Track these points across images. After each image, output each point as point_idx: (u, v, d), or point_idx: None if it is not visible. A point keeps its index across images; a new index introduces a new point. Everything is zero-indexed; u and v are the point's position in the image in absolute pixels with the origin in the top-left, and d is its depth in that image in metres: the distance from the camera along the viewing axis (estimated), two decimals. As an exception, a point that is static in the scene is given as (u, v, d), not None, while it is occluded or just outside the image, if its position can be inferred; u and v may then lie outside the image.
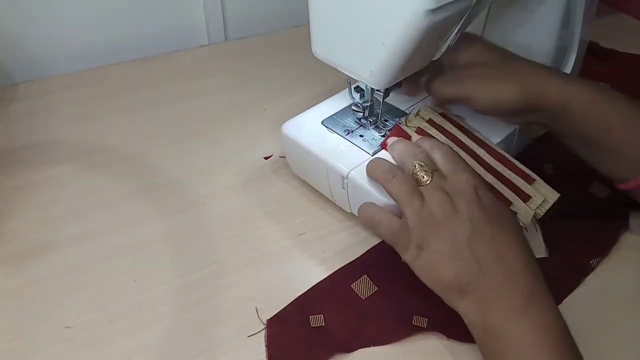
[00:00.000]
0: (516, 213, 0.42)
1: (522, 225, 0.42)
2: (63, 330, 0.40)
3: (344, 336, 0.40)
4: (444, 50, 0.44)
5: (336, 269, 0.45)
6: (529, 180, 0.44)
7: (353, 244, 0.47)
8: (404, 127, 0.48)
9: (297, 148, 0.49)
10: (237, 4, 0.76)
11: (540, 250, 0.47)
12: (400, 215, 0.40)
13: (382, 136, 0.48)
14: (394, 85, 0.46)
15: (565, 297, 0.44)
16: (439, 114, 0.49)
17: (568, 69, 0.54)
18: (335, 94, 0.53)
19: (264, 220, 0.49)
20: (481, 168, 0.45)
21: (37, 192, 0.51)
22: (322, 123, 0.50)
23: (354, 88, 0.50)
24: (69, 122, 0.60)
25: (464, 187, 0.38)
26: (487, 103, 0.44)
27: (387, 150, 0.46)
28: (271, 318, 0.41)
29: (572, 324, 0.41)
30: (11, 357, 0.39)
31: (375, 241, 0.47)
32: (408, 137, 0.46)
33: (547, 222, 0.49)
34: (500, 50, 0.46)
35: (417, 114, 0.49)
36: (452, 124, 0.48)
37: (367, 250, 0.46)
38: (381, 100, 0.47)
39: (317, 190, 0.52)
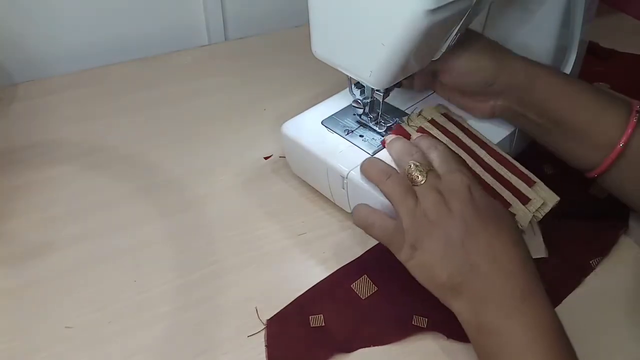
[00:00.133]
0: (515, 215, 0.42)
1: (520, 227, 0.42)
2: (63, 330, 0.40)
3: (343, 336, 0.40)
4: (444, 50, 0.44)
5: (336, 269, 0.45)
6: (529, 183, 0.44)
7: (353, 244, 0.47)
8: (406, 127, 0.48)
9: (297, 148, 0.49)
10: (237, 4, 0.76)
11: (540, 250, 0.47)
12: (396, 217, 0.40)
13: (382, 135, 0.48)
14: (394, 85, 0.46)
15: (565, 297, 0.44)
16: (441, 114, 0.49)
17: (568, 69, 0.54)
18: (335, 94, 0.53)
19: (264, 220, 0.49)
20: (481, 169, 0.45)
21: (37, 192, 0.51)
22: (322, 123, 0.50)
23: (355, 85, 0.50)
24: (69, 122, 0.60)
25: (457, 187, 0.38)
26: (462, 69, 0.46)
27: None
28: (271, 318, 0.41)
29: (572, 324, 0.41)
30: (11, 357, 0.39)
31: (375, 241, 0.47)
32: (408, 136, 0.46)
33: (547, 222, 0.49)
34: (490, 39, 0.48)
35: (419, 114, 0.49)
36: (454, 125, 0.48)
37: (367, 250, 0.46)
38: (381, 100, 0.47)
39: (317, 190, 0.52)
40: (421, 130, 0.47)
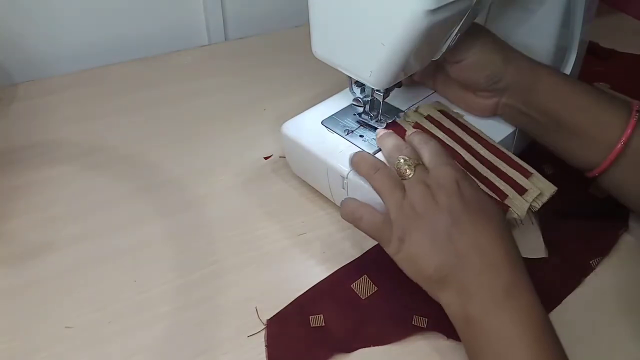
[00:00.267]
0: (509, 207, 0.42)
1: (518, 217, 0.42)
2: (63, 330, 0.40)
3: (343, 336, 0.40)
4: (444, 50, 0.44)
5: (336, 269, 0.45)
6: (526, 174, 0.45)
7: (353, 244, 0.47)
8: (402, 123, 0.48)
9: (297, 148, 0.49)
10: (237, 4, 0.76)
11: (540, 250, 0.47)
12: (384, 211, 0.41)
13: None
14: (394, 85, 0.46)
15: (565, 297, 0.44)
16: (438, 110, 0.49)
17: (568, 69, 0.54)
18: (335, 94, 0.53)
19: (264, 220, 0.49)
20: (477, 162, 0.45)
21: (37, 192, 0.51)
22: (322, 123, 0.50)
23: (355, 83, 0.50)
24: (69, 122, 0.60)
25: (445, 181, 0.39)
26: (472, 62, 0.46)
27: None
28: (271, 318, 0.41)
29: (572, 324, 0.42)
30: (11, 357, 0.39)
31: (375, 241, 0.47)
32: (404, 132, 0.46)
33: (547, 222, 0.49)
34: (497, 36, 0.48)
35: (415, 110, 0.50)
36: (451, 120, 0.49)
37: (367, 250, 0.46)
38: (381, 100, 0.47)
39: (317, 190, 0.52)
40: (417, 126, 0.47)
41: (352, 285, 0.43)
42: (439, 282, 0.37)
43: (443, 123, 0.48)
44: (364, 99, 0.48)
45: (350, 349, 0.40)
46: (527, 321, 0.34)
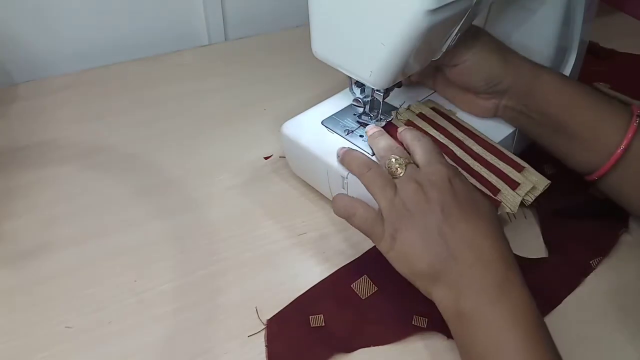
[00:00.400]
0: (500, 203, 0.42)
1: (510, 211, 0.42)
2: (63, 330, 0.40)
3: (344, 336, 0.40)
4: (444, 50, 0.44)
5: (336, 269, 0.45)
6: (518, 168, 0.45)
7: (353, 244, 0.47)
8: (394, 121, 0.48)
9: (297, 148, 0.49)
10: (237, 4, 0.76)
11: (540, 250, 0.47)
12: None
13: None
14: (394, 85, 0.46)
15: (565, 297, 0.44)
16: (430, 108, 0.50)
17: (568, 69, 0.54)
18: (335, 94, 0.53)
19: (264, 220, 0.49)
20: (469, 158, 0.45)
21: (37, 192, 0.51)
22: (322, 123, 0.50)
23: (355, 83, 0.50)
24: (69, 122, 0.60)
25: (436, 178, 0.39)
26: (470, 66, 0.46)
27: None
28: (271, 318, 0.41)
29: (572, 323, 0.42)
30: (11, 357, 0.39)
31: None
32: (396, 129, 0.46)
33: (547, 222, 0.49)
34: (496, 38, 0.48)
35: (408, 108, 0.50)
36: (443, 117, 0.49)
37: (367, 250, 0.46)
38: (381, 100, 0.47)
39: (317, 190, 0.52)
40: (409, 123, 0.48)
41: (352, 285, 0.43)
42: (431, 277, 0.37)
43: (435, 120, 0.48)
44: (364, 99, 0.48)
45: (350, 349, 0.40)
46: (519, 314, 0.34)
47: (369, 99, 0.48)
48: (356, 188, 0.45)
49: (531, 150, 0.52)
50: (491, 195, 0.43)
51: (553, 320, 0.41)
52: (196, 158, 0.56)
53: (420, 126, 0.48)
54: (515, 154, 0.47)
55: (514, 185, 0.44)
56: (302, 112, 0.51)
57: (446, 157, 0.42)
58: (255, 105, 0.64)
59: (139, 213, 0.50)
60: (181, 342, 0.40)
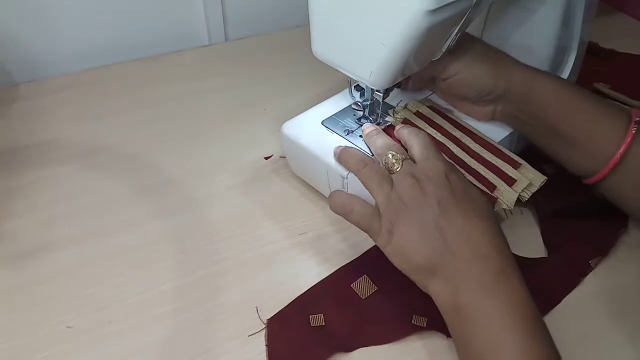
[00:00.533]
0: (496, 199, 0.43)
1: (507, 208, 0.42)
2: (63, 330, 0.40)
3: (344, 335, 0.40)
4: (444, 51, 0.44)
5: (336, 268, 0.45)
6: (515, 165, 0.45)
7: (353, 244, 0.47)
8: (391, 119, 0.49)
9: (297, 148, 0.49)
10: (237, 4, 0.76)
11: (540, 250, 0.47)
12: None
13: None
14: (394, 85, 0.46)
15: (565, 297, 0.44)
16: (427, 106, 0.50)
17: (568, 69, 0.54)
18: (335, 94, 0.53)
19: (264, 220, 0.49)
20: (466, 155, 0.45)
21: (37, 192, 0.51)
22: (322, 123, 0.50)
23: (354, 87, 0.50)
24: (69, 122, 0.60)
25: (433, 173, 0.39)
26: (460, 80, 0.46)
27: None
28: (271, 318, 0.41)
29: (571, 323, 0.42)
30: (11, 357, 0.39)
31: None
32: (393, 128, 0.47)
33: (547, 222, 0.49)
34: (489, 45, 0.48)
35: (405, 107, 0.50)
36: (440, 116, 0.49)
37: (367, 250, 0.46)
38: (381, 101, 0.47)
39: (317, 190, 0.52)
40: (406, 122, 0.48)
41: (352, 285, 0.43)
42: (428, 271, 0.37)
43: (432, 118, 0.49)
44: (364, 103, 0.49)
45: (350, 349, 0.40)
46: (516, 308, 0.34)
47: (368, 103, 0.49)
48: (356, 188, 0.45)
49: (531, 150, 0.52)
50: (488, 191, 0.43)
51: (552, 319, 0.41)
52: (196, 158, 0.56)
53: (417, 124, 0.48)
54: (516, 154, 0.47)
55: (510, 181, 0.44)
56: (302, 112, 0.51)
57: (443, 154, 0.42)
58: (255, 105, 0.64)
59: (139, 213, 0.50)
60: (181, 342, 0.40)
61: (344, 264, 0.45)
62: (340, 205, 0.42)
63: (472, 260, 0.36)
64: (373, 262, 0.45)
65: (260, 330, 0.40)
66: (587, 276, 0.45)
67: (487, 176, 0.44)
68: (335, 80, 0.54)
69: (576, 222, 0.49)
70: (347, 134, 0.49)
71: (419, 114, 0.49)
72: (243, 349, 0.39)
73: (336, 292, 0.43)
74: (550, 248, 0.47)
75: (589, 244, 0.47)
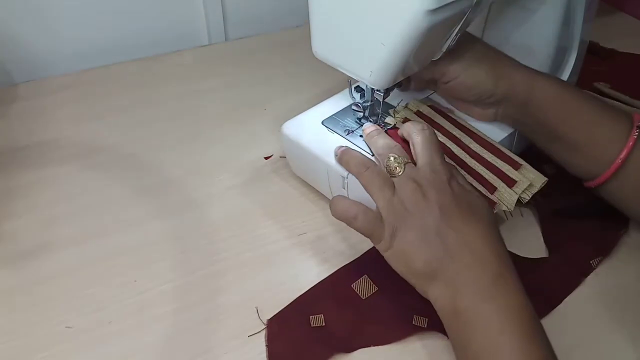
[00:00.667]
0: (495, 203, 0.42)
1: (507, 209, 0.42)
2: (63, 330, 0.40)
3: (344, 336, 0.40)
4: (444, 50, 0.44)
5: (336, 269, 0.45)
6: (515, 166, 0.45)
7: (353, 244, 0.47)
8: (391, 119, 0.48)
9: (297, 148, 0.49)
10: (237, 4, 0.76)
11: (540, 250, 0.47)
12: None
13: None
14: (394, 85, 0.46)
15: (565, 297, 0.43)
16: (428, 106, 0.50)
17: (568, 69, 0.54)
18: (335, 94, 0.53)
19: (264, 220, 0.49)
20: (467, 155, 0.45)
21: (37, 192, 0.51)
22: (322, 123, 0.50)
23: (354, 88, 0.50)
24: (69, 122, 0.60)
25: (435, 178, 0.39)
26: (460, 84, 0.46)
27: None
28: (271, 318, 0.41)
29: (572, 324, 0.42)
30: (11, 357, 0.39)
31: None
32: (394, 131, 0.46)
33: (548, 222, 0.49)
34: (489, 45, 0.48)
35: (405, 106, 0.50)
36: (441, 115, 0.49)
37: (367, 250, 0.46)
38: (381, 100, 0.47)
39: (317, 190, 0.52)
40: (406, 121, 0.48)
41: (352, 285, 0.43)
42: (428, 276, 0.37)
43: (432, 118, 0.49)
44: (364, 104, 0.49)
45: (350, 349, 0.40)
46: (514, 309, 0.35)
47: (368, 104, 0.49)
48: (356, 188, 0.45)
49: (531, 150, 0.52)
50: (488, 193, 0.43)
51: (553, 320, 0.41)
52: (196, 158, 0.56)
53: None
54: (516, 154, 0.47)
55: (511, 183, 0.44)
56: (302, 112, 0.51)
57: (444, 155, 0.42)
58: (255, 105, 0.64)
59: (139, 213, 0.50)
60: (181, 342, 0.40)
61: (344, 264, 0.45)
62: (342, 212, 0.42)
63: (472, 266, 0.36)
64: (373, 263, 0.45)
65: (260, 331, 0.40)
66: (588, 277, 0.45)
67: (487, 177, 0.44)
68: (335, 80, 0.54)
69: (577, 222, 0.49)
70: (348, 133, 0.49)
71: (419, 114, 0.49)
72: (243, 349, 0.39)
73: (336, 292, 0.43)
74: (550, 248, 0.47)
75: (589, 244, 0.47)
